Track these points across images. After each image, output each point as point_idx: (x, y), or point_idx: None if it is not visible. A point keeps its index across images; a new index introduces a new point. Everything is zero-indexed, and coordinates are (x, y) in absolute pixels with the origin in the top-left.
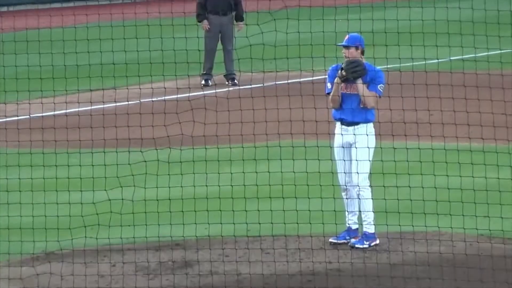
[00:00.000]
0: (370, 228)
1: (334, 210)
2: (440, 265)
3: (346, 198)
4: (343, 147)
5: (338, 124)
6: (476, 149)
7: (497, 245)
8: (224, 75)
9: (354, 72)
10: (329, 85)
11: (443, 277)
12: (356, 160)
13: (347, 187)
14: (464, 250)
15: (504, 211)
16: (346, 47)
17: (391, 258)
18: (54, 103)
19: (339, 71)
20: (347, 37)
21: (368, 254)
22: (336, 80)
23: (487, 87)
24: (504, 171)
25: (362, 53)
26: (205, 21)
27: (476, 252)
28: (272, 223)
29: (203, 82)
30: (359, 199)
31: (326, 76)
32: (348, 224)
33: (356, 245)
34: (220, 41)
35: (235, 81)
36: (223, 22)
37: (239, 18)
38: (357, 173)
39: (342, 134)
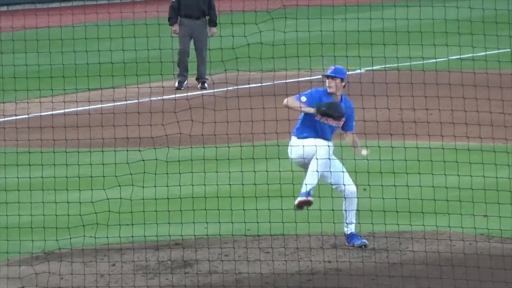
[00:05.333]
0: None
1: (332, 210)
2: (439, 264)
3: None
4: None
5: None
6: (474, 148)
7: (496, 244)
8: (196, 78)
9: (338, 112)
10: (303, 98)
11: (442, 276)
12: (331, 171)
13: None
14: (462, 249)
15: (502, 210)
16: (333, 77)
17: (390, 258)
18: (53, 103)
19: (316, 110)
20: (332, 68)
21: (367, 254)
22: (315, 112)
23: (485, 86)
24: (502, 170)
25: (344, 86)
26: (176, 25)
27: (475, 251)
28: (270, 222)
29: (176, 84)
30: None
31: (309, 91)
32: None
33: (355, 244)
34: (194, 45)
35: (205, 85)
36: (195, 26)
37: (212, 23)
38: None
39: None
